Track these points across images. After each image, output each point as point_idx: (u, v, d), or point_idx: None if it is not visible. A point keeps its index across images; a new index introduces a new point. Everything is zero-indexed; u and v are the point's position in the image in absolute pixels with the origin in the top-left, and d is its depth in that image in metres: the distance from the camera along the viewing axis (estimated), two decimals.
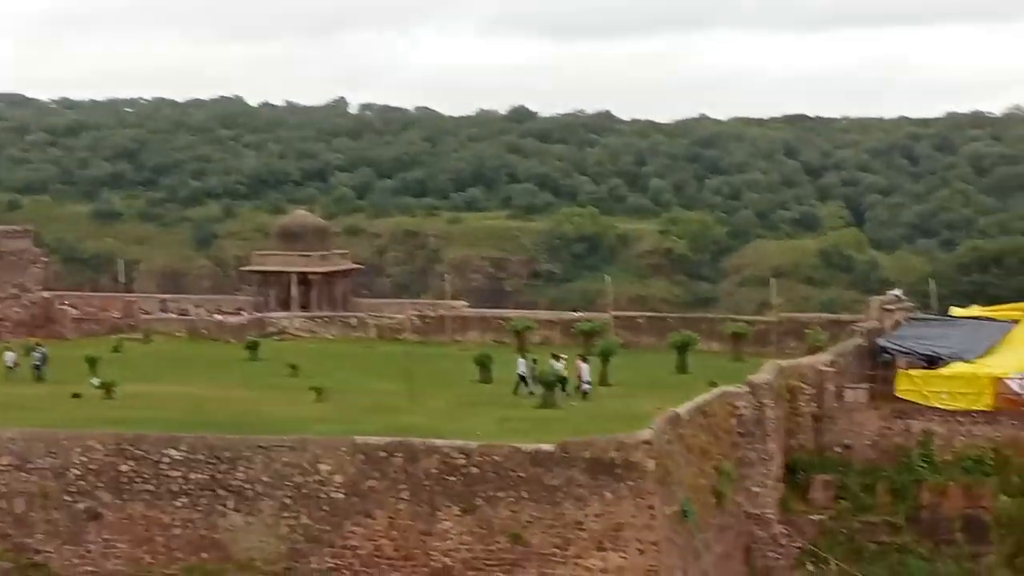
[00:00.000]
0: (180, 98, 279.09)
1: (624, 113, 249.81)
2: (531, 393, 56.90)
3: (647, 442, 40.42)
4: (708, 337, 73.30)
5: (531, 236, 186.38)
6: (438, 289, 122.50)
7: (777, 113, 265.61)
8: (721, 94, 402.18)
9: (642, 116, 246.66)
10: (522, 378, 58.21)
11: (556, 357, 58.86)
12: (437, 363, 67.34)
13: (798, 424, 53.60)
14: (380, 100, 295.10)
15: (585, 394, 56.58)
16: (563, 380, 56.94)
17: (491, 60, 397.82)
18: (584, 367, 58.00)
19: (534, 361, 59.18)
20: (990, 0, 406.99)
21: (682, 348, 66.98)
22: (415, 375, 57.91)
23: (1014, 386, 53.62)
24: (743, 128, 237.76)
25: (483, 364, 63.30)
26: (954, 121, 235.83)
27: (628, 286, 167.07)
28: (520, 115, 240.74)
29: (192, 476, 43.31)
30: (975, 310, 68.53)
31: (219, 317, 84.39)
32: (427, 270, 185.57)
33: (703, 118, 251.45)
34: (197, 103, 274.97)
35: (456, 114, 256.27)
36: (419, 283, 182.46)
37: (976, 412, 53.15)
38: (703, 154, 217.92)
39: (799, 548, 50.04)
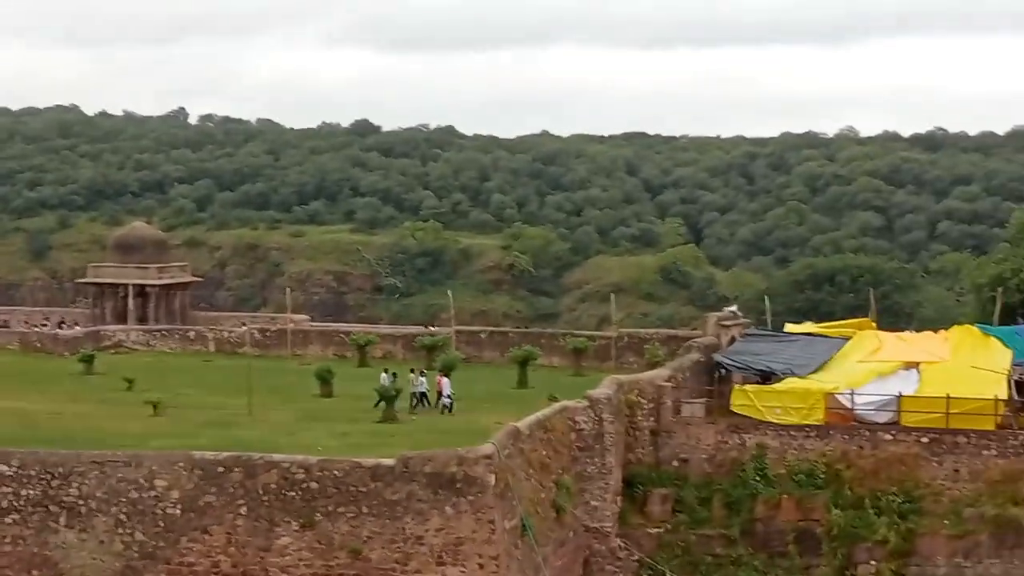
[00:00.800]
0: (15, 106, 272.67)
1: (467, 128, 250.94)
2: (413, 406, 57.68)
3: (487, 457, 40.58)
4: (549, 352, 73.89)
5: (374, 250, 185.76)
6: (279, 303, 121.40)
7: (618, 130, 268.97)
8: (564, 110, 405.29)
9: (485, 131, 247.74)
10: (381, 394, 58.50)
11: (420, 372, 59.26)
12: (277, 377, 66.75)
13: (636, 438, 54.24)
14: (221, 111, 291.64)
15: (447, 408, 56.71)
16: (424, 395, 57.93)
17: (335, 72, 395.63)
18: (446, 382, 58.40)
19: (394, 376, 59.26)
20: (826, 22, 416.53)
21: (523, 363, 67.48)
22: (255, 389, 57.35)
23: (844, 401, 54.92)
24: (584, 145, 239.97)
25: (324, 379, 63.00)
26: (789, 141, 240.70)
27: (470, 301, 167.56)
28: (363, 128, 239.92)
29: (23, 492, 42.35)
30: (808, 326, 69.93)
31: (53, 330, 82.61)
32: (268, 283, 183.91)
33: (545, 134, 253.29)
34: (32, 112, 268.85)
35: (298, 126, 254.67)
36: (260, 296, 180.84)
37: (808, 426, 54.28)
38: (545, 170, 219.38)
39: (637, 561, 50.65)
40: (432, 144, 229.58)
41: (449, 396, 57.36)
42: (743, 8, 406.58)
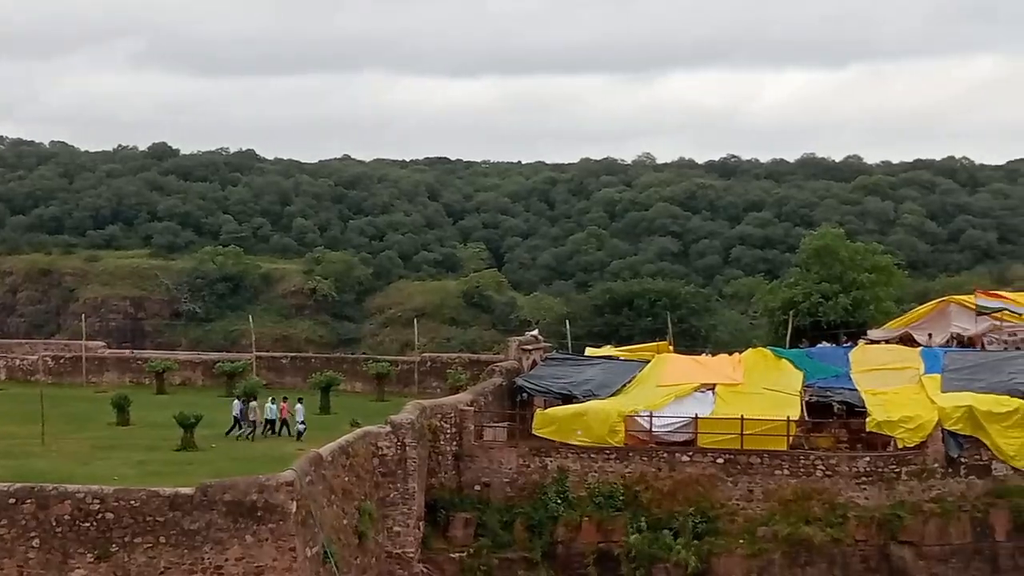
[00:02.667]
0: None
1: (268, 152, 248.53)
2: (251, 434, 56.94)
3: (288, 484, 40.20)
4: (352, 377, 73.62)
5: (172, 275, 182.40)
6: (74, 329, 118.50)
7: (420, 155, 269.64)
8: (368, 136, 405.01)
9: (285, 155, 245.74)
10: (236, 420, 57.61)
11: (272, 400, 59.22)
12: (72, 405, 65.10)
13: (439, 463, 54.31)
14: (13, 134, 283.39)
15: (299, 435, 55.94)
16: (272, 422, 57.69)
17: (137, 96, 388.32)
18: (299, 408, 57.89)
19: (246, 401, 58.44)
20: (629, 53, 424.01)
21: (326, 388, 67.05)
22: (48, 418, 55.81)
23: (643, 423, 55.82)
24: (386, 169, 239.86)
25: (120, 406, 61.67)
26: (588, 167, 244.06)
27: (272, 326, 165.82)
28: (161, 152, 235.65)
29: None
30: (608, 350, 70.98)
31: None
32: (63, 309, 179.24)
33: (346, 159, 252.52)
34: None
35: (94, 149, 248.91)
36: (54, 323, 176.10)
37: (609, 449, 55.04)
38: (347, 194, 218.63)
39: None
40: (232, 168, 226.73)
41: (303, 423, 56.66)
42: (549, 38, 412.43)
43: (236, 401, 59.13)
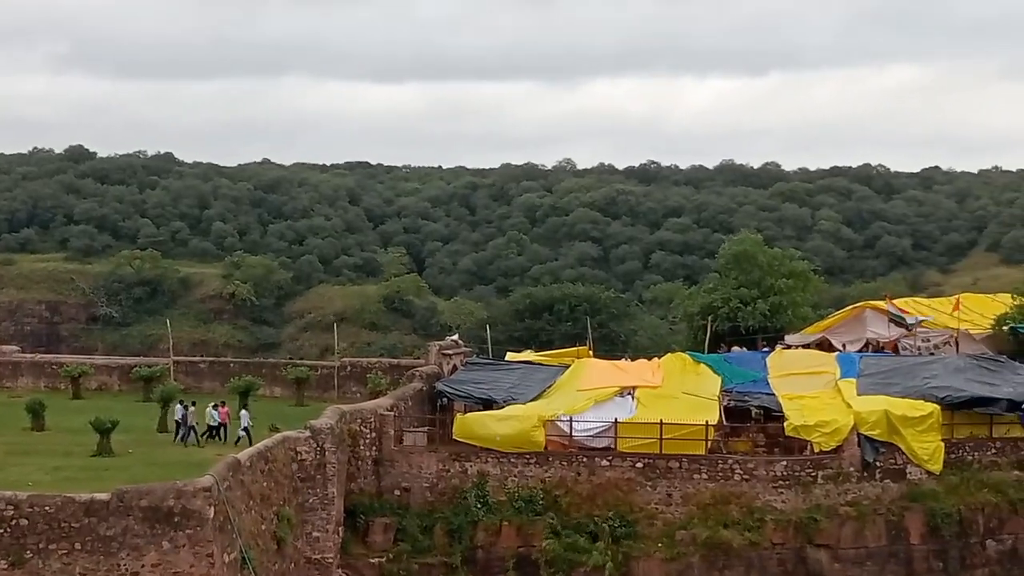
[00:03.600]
0: None
1: (187, 156, 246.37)
2: (190, 439, 56.61)
3: (206, 489, 39.86)
4: (271, 382, 73.32)
5: (89, 279, 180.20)
6: None
7: (340, 159, 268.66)
8: (289, 140, 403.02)
9: (204, 159, 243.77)
10: (179, 424, 57.40)
11: (214, 406, 58.79)
12: None
13: (359, 468, 54.13)
14: None
15: (238, 440, 55.45)
16: (220, 427, 57.53)
17: (55, 98, 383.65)
18: (244, 414, 57.68)
19: (190, 406, 57.93)
20: (552, 60, 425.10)
21: (244, 393, 66.63)
22: None
23: (563, 427, 55.96)
24: (306, 174, 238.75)
25: (35, 411, 60.87)
26: (509, 172, 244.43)
27: (190, 331, 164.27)
28: (77, 154, 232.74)
29: None
30: (528, 355, 71.16)
31: None
32: None
33: (266, 162, 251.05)
34: None
35: (9, 152, 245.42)
36: None
37: (529, 453, 55.12)
38: (267, 198, 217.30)
39: None
40: (150, 171, 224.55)
41: (247, 428, 56.18)
42: (472, 45, 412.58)
43: (178, 406, 58.71)
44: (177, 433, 57.44)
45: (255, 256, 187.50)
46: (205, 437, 57.17)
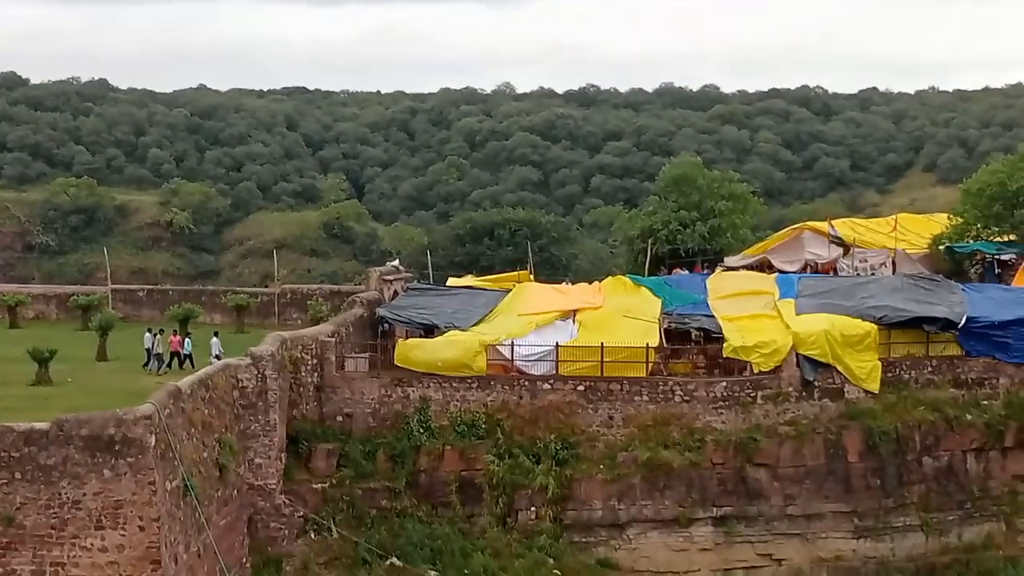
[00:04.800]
0: None
1: (121, 82, 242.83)
2: (160, 368, 56.60)
3: (147, 417, 39.66)
4: (211, 309, 73.00)
5: (24, 207, 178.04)
6: None
7: (277, 85, 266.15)
8: (226, 65, 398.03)
9: (139, 85, 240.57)
10: (149, 352, 57.21)
11: (216, 333, 59.23)
12: None
13: (301, 395, 54.05)
14: None
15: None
16: (188, 356, 57.53)
17: None
18: (215, 342, 57.76)
19: (158, 333, 57.62)
20: None
21: (184, 321, 66.30)
22: None
23: (505, 352, 56.09)
24: (243, 99, 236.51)
25: None
26: (449, 97, 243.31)
27: (128, 259, 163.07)
28: (10, 81, 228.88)
29: None
30: (469, 280, 71.19)
31: None
32: None
33: (202, 88, 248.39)
34: None
35: None
36: None
37: (470, 378, 55.21)
38: (203, 125, 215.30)
39: (302, 517, 50.55)
40: (84, 98, 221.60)
41: (218, 356, 55.84)
42: None
43: (147, 334, 58.51)
44: (148, 361, 57.30)
45: (192, 183, 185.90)
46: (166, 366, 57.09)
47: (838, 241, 71.96)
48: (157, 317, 71.62)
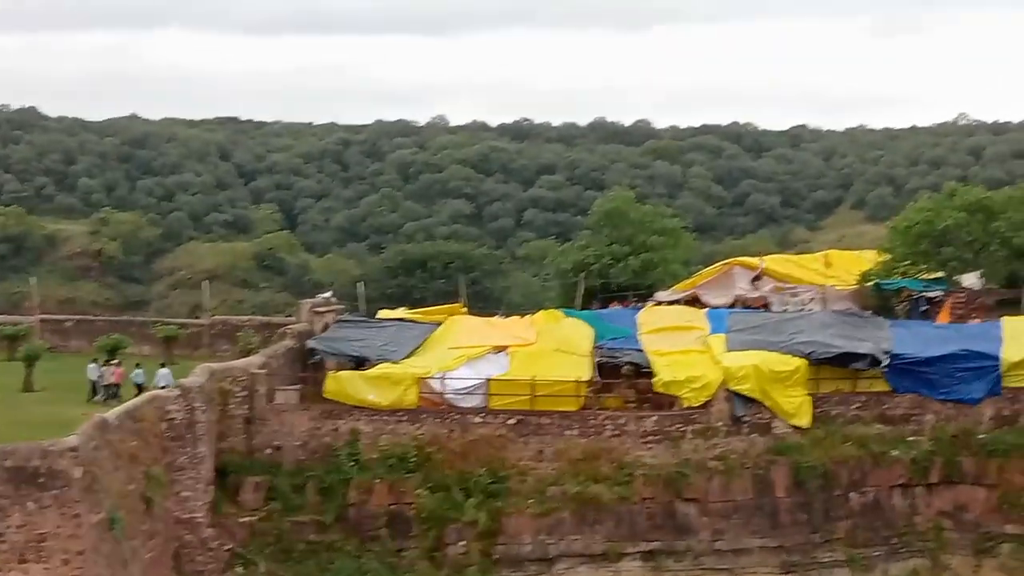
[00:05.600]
0: None
1: (52, 110, 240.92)
2: (105, 399, 56.30)
3: (72, 449, 39.29)
4: (139, 340, 72.28)
5: None
6: None
7: (210, 115, 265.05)
8: (158, 94, 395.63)
9: (70, 113, 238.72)
10: (95, 384, 56.88)
11: (138, 365, 58.70)
12: None
13: (230, 427, 53.63)
14: None
15: None
16: (141, 386, 56.89)
17: None
18: (166, 372, 57.49)
19: (106, 364, 57.11)
20: (433, 14, 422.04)
21: (112, 352, 65.67)
22: None
23: (436, 385, 56.03)
24: (176, 129, 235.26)
25: None
26: (382, 128, 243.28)
27: (56, 288, 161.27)
28: None
29: None
30: (401, 312, 71.02)
31: None
32: None
33: (134, 117, 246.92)
34: None
35: None
36: None
37: (401, 411, 55.08)
38: (135, 154, 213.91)
39: (229, 551, 50.15)
40: (13, 125, 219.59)
41: (166, 388, 55.44)
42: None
43: (92, 365, 58.04)
44: (95, 392, 56.87)
45: (123, 212, 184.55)
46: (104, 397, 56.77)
47: (758, 278, 72.57)
48: (85, 347, 70.81)
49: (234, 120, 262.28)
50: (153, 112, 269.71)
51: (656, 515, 54.48)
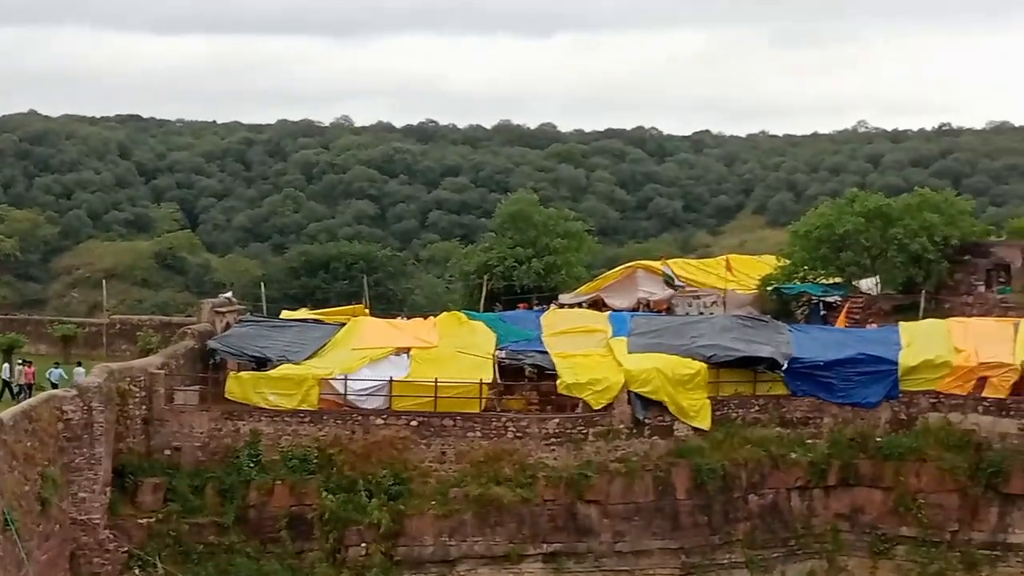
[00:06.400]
0: None
1: None
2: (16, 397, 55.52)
3: None
4: (36, 339, 71.42)
5: None
6: None
7: (111, 112, 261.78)
8: (59, 91, 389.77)
9: None
10: (7, 384, 56.14)
11: (57, 364, 58.78)
12: None
13: (128, 427, 53.02)
14: None
15: None
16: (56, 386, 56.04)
17: None
18: (79, 371, 56.62)
19: (23, 363, 56.18)
20: (341, 15, 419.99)
21: (8, 350, 64.75)
22: None
23: (338, 386, 55.78)
24: (75, 126, 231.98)
25: None
26: (286, 128, 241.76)
27: None
28: None
29: None
30: (304, 313, 70.63)
31: None
32: None
33: (32, 114, 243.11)
34: None
35: None
36: None
37: (302, 412, 54.82)
38: (33, 151, 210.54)
39: (126, 552, 49.58)
40: None
41: (56, 385, 54.66)
42: None
43: (5, 365, 57.08)
44: (9, 393, 56.16)
45: (20, 210, 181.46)
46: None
47: (669, 281, 73.13)
48: None
49: (135, 118, 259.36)
50: (53, 109, 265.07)
51: (557, 517, 54.65)
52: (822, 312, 69.94)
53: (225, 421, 54.57)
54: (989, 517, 57.45)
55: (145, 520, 51.41)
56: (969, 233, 71.59)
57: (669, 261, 77.90)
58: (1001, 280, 69.19)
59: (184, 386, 56.14)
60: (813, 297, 70.92)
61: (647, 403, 56.61)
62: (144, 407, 53.82)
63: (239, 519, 52.71)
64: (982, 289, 69.32)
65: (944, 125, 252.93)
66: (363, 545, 53.09)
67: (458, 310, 68.35)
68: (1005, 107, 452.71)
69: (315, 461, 53.87)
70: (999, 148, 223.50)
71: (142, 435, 53.71)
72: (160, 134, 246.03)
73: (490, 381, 56.88)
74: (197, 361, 59.90)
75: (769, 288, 72.22)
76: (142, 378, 53.88)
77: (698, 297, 71.60)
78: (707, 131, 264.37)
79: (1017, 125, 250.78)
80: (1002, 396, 58.08)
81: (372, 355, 58.14)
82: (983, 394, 58.45)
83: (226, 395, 55.64)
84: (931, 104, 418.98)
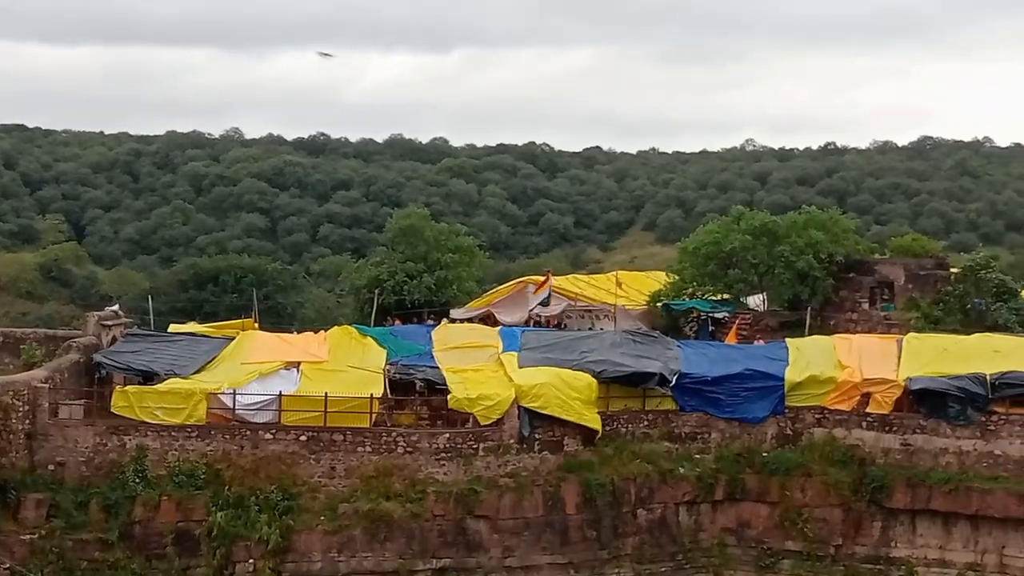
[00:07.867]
0: None
1: None
2: None
3: None
4: None
5: None
6: None
7: None
8: None
9: None
10: None
11: None
12: None
13: (10, 442, 52.12)
14: None
15: None
16: None
17: None
18: None
19: None
20: (239, 28, 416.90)
21: None
22: None
23: (226, 401, 55.29)
24: None
25: None
26: (175, 140, 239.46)
27: None
28: None
29: None
30: (192, 326, 69.90)
31: None
32: None
33: None
34: None
35: None
36: None
37: (190, 427, 54.20)
38: None
39: (8, 570, 48.74)
40: None
41: None
42: (154, 10, 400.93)
43: None
44: None
45: None
46: None
47: (546, 300, 73.09)
48: None
49: (21, 127, 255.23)
50: None
51: (447, 532, 54.59)
52: (710, 328, 70.71)
53: (111, 436, 53.83)
54: (872, 531, 58.51)
55: (28, 536, 50.58)
56: (853, 251, 72.81)
57: (557, 277, 78.17)
58: (885, 297, 70.31)
59: (69, 400, 55.25)
60: (702, 313, 71.64)
61: (536, 418, 56.72)
62: (27, 421, 52.93)
63: (124, 535, 52.02)
64: (866, 306, 70.39)
65: (830, 144, 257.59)
66: (251, 561, 52.61)
67: (349, 325, 68.06)
68: (889, 128, 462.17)
69: (203, 476, 53.32)
70: (883, 167, 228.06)
71: (25, 450, 52.81)
72: (46, 144, 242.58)
73: (380, 396, 56.72)
74: (83, 375, 58.98)
75: (659, 304, 72.88)
76: (25, 392, 53.01)
77: (590, 311, 71.95)
78: (598, 147, 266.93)
79: (900, 145, 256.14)
80: (885, 412, 59.14)
81: (261, 369, 57.69)
82: (867, 410, 59.48)
83: (112, 409, 54.87)
84: (817, 123, 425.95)
